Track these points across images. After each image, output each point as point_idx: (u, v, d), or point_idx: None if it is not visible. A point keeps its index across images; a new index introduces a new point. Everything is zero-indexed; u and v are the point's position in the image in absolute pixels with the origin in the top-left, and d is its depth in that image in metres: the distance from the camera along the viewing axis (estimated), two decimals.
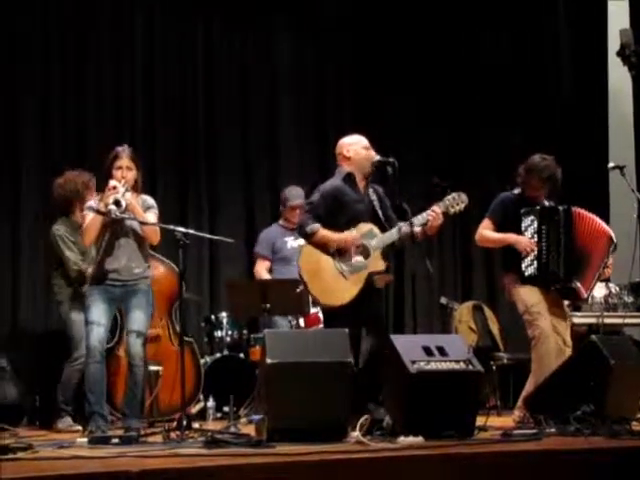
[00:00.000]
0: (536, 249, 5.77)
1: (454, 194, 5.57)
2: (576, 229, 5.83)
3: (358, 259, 5.43)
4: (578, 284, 5.81)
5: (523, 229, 5.83)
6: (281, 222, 7.20)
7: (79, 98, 7.67)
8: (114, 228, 5.39)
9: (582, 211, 5.90)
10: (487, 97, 8.76)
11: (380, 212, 5.57)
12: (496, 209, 5.96)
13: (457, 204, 5.56)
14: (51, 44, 7.61)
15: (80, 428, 5.79)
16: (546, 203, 5.93)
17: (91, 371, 5.32)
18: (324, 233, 5.44)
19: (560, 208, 5.84)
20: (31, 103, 7.49)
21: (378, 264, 5.49)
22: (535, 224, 5.81)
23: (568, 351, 5.77)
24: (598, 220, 5.91)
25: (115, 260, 5.39)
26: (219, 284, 7.79)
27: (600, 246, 5.85)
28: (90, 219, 5.36)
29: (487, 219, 5.97)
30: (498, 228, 5.92)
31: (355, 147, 5.62)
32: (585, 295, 5.89)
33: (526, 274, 5.79)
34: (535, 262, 5.77)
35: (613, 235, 5.88)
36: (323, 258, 5.44)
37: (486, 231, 5.96)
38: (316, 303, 6.22)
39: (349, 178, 5.58)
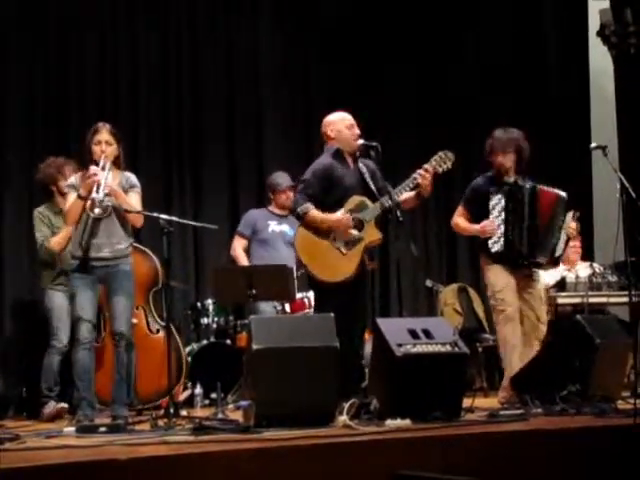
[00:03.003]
0: (503, 227, 5.82)
1: (440, 153, 5.55)
2: (540, 206, 5.86)
3: (353, 232, 5.43)
4: (543, 259, 5.88)
5: (490, 207, 5.88)
6: (270, 207, 7.15)
7: (61, 82, 7.62)
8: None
9: (547, 188, 5.93)
10: (471, 81, 8.79)
11: (371, 183, 5.55)
12: (467, 196, 6.07)
13: (444, 162, 5.54)
14: (33, 17, 7.52)
15: (66, 405, 5.81)
16: (516, 180, 5.93)
17: (80, 358, 5.27)
18: (316, 214, 5.43)
19: (526, 186, 5.88)
20: (14, 82, 7.45)
21: (374, 234, 5.50)
22: (502, 202, 5.86)
23: (542, 327, 5.84)
24: (556, 191, 5.95)
25: (95, 236, 5.29)
26: (204, 271, 7.77)
27: (553, 210, 5.90)
28: (72, 202, 5.28)
29: (460, 206, 6.09)
30: (470, 214, 6.01)
31: (338, 126, 5.62)
32: (557, 265, 6.15)
33: (493, 250, 5.85)
34: (501, 239, 5.84)
35: (563, 194, 5.92)
36: (318, 237, 5.44)
37: (458, 219, 6.07)
38: (303, 288, 6.23)
39: (338, 154, 5.59)
